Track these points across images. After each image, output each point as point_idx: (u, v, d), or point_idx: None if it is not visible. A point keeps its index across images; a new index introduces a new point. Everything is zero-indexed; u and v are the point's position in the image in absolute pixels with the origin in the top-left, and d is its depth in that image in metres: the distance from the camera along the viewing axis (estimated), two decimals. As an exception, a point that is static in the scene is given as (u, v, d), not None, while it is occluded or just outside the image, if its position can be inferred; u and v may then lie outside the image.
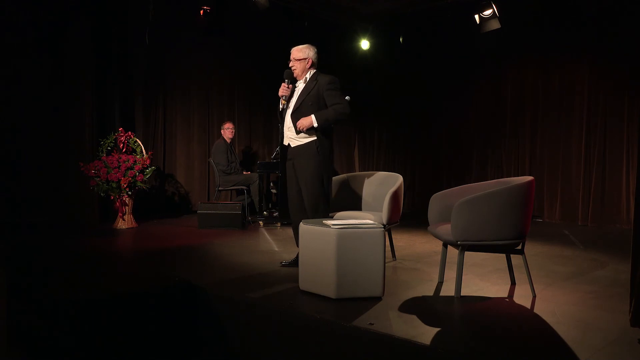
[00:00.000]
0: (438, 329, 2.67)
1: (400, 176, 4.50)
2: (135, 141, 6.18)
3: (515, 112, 7.79)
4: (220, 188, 6.95)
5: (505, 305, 3.16)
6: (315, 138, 3.88)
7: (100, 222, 6.31)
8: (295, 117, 3.89)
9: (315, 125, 3.82)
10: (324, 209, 3.92)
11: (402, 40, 8.21)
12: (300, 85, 4.00)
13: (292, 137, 3.96)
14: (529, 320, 2.91)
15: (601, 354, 2.38)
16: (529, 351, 2.47)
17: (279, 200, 6.82)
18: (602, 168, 6.87)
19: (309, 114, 3.83)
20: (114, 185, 5.84)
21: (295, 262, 3.90)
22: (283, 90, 3.98)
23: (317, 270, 3.23)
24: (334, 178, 4.47)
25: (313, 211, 3.88)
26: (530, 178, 3.31)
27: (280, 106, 4.05)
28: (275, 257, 4.44)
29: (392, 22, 8.03)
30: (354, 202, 4.71)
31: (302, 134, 3.88)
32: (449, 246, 3.60)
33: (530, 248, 4.85)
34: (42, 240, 5.26)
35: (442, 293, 3.41)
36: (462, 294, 3.27)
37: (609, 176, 6.82)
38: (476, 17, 6.81)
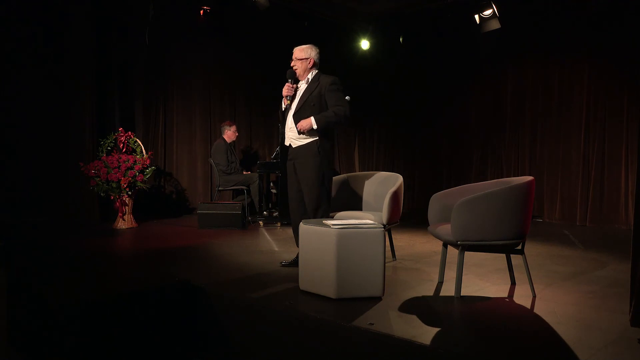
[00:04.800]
0: (438, 329, 2.67)
1: (400, 176, 4.50)
2: (135, 141, 6.18)
3: (515, 112, 7.80)
4: (220, 188, 6.95)
5: (505, 305, 3.16)
6: (317, 138, 3.88)
7: (100, 222, 6.31)
8: (297, 118, 3.88)
9: (315, 127, 3.82)
10: (325, 208, 3.92)
11: (402, 40, 8.22)
12: (303, 86, 3.99)
13: (293, 138, 3.96)
14: (529, 320, 2.91)
15: (601, 354, 2.38)
16: (529, 351, 2.47)
17: (279, 200, 6.82)
18: (602, 168, 6.88)
19: (312, 114, 3.83)
20: (114, 185, 5.84)
21: (295, 262, 3.90)
22: (288, 90, 3.95)
23: (317, 270, 3.23)
24: (334, 178, 4.48)
25: (314, 211, 3.88)
26: (530, 178, 3.31)
27: (283, 106, 4.04)
28: (275, 257, 4.44)
29: (392, 22, 8.03)
30: (354, 202, 4.71)
31: (303, 135, 3.88)
32: (449, 246, 3.60)
33: (530, 248, 4.85)
34: (42, 240, 5.25)
35: (442, 293, 3.41)
36: (462, 294, 3.27)
37: (609, 176, 6.82)
38: (476, 17, 6.81)
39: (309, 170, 3.88)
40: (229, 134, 7.12)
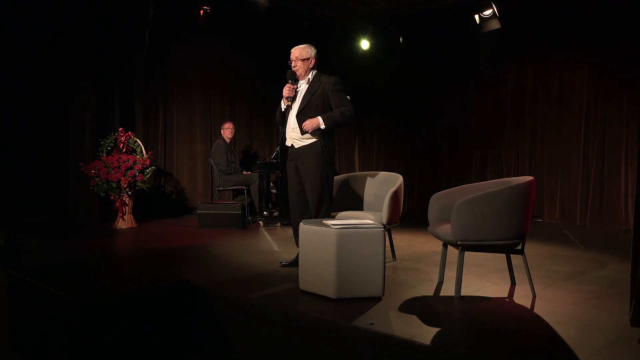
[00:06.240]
0: (438, 329, 2.67)
1: (400, 176, 4.50)
2: (135, 141, 6.18)
3: (515, 112, 7.80)
4: (220, 188, 6.96)
5: (505, 305, 3.16)
6: (320, 138, 3.87)
7: (100, 222, 6.31)
8: (301, 118, 3.86)
9: (323, 127, 3.81)
10: (327, 208, 3.92)
11: (402, 40, 8.22)
12: (304, 86, 3.97)
13: (296, 138, 3.94)
14: (529, 320, 2.91)
15: (601, 354, 2.38)
16: (529, 351, 2.47)
17: (279, 200, 6.82)
18: (602, 168, 6.88)
19: (316, 115, 3.82)
20: (114, 185, 5.84)
21: (295, 262, 3.90)
22: (289, 91, 3.92)
23: (317, 270, 3.23)
24: (334, 178, 4.47)
25: (316, 211, 3.88)
26: (530, 178, 3.31)
27: (283, 106, 4.02)
28: (275, 257, 4.44)
29: (392, 22, 8.04)
30: (354, 202, 4.72)
31: (306, 135, 3.86)
32: (449, 246, 3.60)
33: (530, 248, 4.85)
34: (42, 240, 5.25)
35: (442, 293, 3.41)
36: (462, 294, 3.27)
37: (609, 176, 6.83)
38: (476, 17, 6.81)
39: (313, 170, 3.87)
40: (225, 132, 7.14)
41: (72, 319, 2.84)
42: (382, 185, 4.59)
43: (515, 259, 3.60)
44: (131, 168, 5.89)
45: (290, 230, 5.08)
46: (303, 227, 3.36)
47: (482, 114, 8.20)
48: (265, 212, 6.87)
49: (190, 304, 3.34)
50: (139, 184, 5.99)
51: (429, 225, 3.71)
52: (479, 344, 2.56)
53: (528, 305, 3.14)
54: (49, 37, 6.09)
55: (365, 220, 3.41)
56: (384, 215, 4.17)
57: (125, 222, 6.02)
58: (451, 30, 8.01)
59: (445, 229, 3.36)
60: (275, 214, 6.84)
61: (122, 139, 6.11)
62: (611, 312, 2.98)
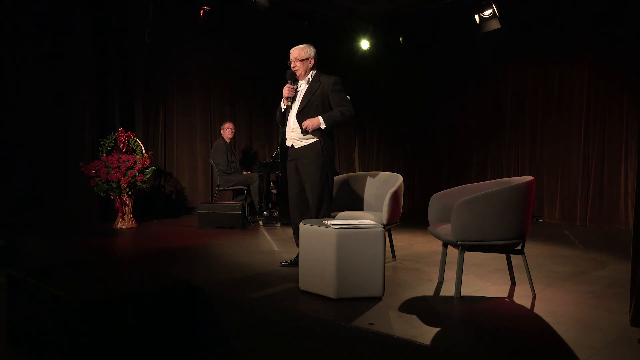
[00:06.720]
0: (438, 329, 2.67)
1: (400, 176, 4.50)
2: (135, 141, 6.18)
3: (515, 112, 7.81)
4: (220, 188, 6.95)
5: (505, 305, 3.16)
6: (320, 138, 3.87)
7: (100, 222, 6.31)
8: (301, 118, 3.86)
9: (324, 127, 3.81)
10: (327, 208, 3.92)
11: (402, 40, 8.22)
12: (303, 86, 3.97)
13: (296, 138, 3.94)
14: (529, 320, 2.91)
15: (601, 354, 2.38)
16: (529, 351, 2.47)
17: (279, 200, 6.82)
18: (602, 168, 6.89)
19: (316, 115, 3.82)
20: (114, 185, 5.84)
21: (295, 262, 3.90)
22: (289, 91, 3.92)
23: (317, 270, 3.23)
24: (334, 178, 4.47)
25: (316, 211, 3.88)
26: (530, 178, 3.32)
27: (283, 107, 4.02)
28: (275, 257, 4.44)
29: (392, 22, 8.04)
30: (354, 202, 4.72)
31: (306, 135, 3.86)
32: (449, 246, 3.60)
33: (530, 248, 4.85)
34: (42, 240, 5.25)
35: (442, 293, 3.41)
36: (462, 294, 3.27)
37: (609, 176, 6.83)
38: (476, 17, 6.81)
39: (313, 170, 3.87)
40: (225, 132, 7.14)
41: (72, 319, 2.84)
42: (382, 185, 4.59)
43: (515, 259, 3.60)
44: (131, 168, 5.89)
45: (290, 230, 5.08)
46: (303, 227, 3.36)
47: (482, 114, 8.20)
48: (265, 212, 6.87)
49: (190, 304, 3.34)
50: (139, 184, 5.99)
51: (429, 225, 3.71)
52: (479, 344, 2.56)
53: (528, 305, 3.14)
54: (49, 37, 6.09)
55: (365, 220, 3.41)
56: (384, 215, 4.17)
57: (125, 222, 6.02)
58: (451, 30, 8.01)
59: (445, 229, 3.36)
60: (275, 214, 6.84)
61: (122, 139, 6.11)
62: (611, 312, 2.98)
